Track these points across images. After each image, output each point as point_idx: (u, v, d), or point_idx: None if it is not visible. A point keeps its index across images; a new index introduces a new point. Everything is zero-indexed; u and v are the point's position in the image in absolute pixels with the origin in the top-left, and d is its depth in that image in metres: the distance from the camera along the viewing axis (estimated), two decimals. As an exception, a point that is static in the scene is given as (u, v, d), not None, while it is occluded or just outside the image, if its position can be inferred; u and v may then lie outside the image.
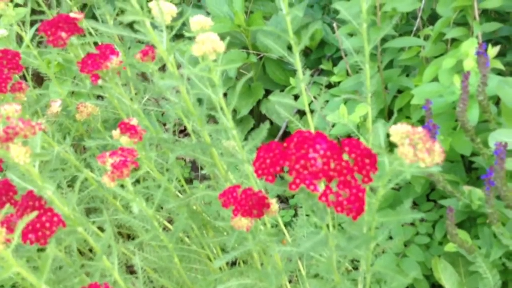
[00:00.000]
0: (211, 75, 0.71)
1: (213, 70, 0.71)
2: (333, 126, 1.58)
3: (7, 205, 0.59)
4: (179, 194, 1.00)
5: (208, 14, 1.86)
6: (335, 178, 0.53)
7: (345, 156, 0.55)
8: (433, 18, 1.49)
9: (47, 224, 0.57)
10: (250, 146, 0.77)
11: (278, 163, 0.56)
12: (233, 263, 1.04)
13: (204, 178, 1.64)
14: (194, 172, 1.69)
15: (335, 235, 0.64)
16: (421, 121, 1.41)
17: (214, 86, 0.74)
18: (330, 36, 1.75)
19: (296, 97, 1.78)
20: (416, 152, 0.52)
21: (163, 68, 1.70)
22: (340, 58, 1.69)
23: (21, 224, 0.50)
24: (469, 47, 1.15)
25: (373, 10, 1.41)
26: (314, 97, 1.72)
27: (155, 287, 0.95)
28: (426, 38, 1.43)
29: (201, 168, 1.68)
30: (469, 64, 1.14)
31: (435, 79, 1.28)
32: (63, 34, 0.71)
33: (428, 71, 1.30)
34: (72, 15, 0.73)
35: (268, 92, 1.80)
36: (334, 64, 1.69)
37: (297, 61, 0.90)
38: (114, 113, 1.29)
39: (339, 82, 1.60)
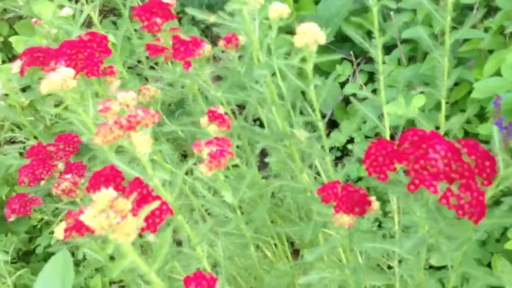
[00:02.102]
0: (306, 66, 0.70)
1: (309, 61, 0.69)
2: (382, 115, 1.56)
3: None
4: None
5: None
6: (456, 180, 0.52)
7: (465, 158, 0.54)
8: (489, 10, 1.45)
9: (157, 212, 0.57)
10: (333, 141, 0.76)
11: (392, 162, 0.55)
12: (296, 254, 1.04)
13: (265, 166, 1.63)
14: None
15: (431, 235, 0.63)
16: (478, 116, 1.38)
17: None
18: (381, 24, 1.71)
19: (341, 84, 1.76)
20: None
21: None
22: (390, 47, 1.66)
23: (142, 213, 0.50)
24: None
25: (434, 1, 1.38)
26: (361, 86, 1.70)
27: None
28: (485, 30, 1.40)
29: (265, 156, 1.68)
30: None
31: (496, 73, 1.25)
32: (158, 20, 0.70)
33: (489, 64, 1.27)
34: (165, 0, 0.72)
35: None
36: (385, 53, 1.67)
37: (378, 54, 0.88)
38: (171, 97, 1.29)
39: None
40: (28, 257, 1.33)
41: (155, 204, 0.51)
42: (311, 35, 0.65)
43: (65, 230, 0.62)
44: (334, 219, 0.61)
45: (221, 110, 0.75)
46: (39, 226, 1.30)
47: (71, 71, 0.67)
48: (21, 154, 1.33)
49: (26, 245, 1.30)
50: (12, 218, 1.01)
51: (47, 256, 1.32)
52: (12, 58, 1.76)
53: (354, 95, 1.64)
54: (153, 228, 0.56)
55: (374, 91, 1.66)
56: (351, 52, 1.75)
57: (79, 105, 0.70)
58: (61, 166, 0.86)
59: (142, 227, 0.56)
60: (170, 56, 0.84)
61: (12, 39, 1.58)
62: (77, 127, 1.07)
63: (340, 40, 1.79)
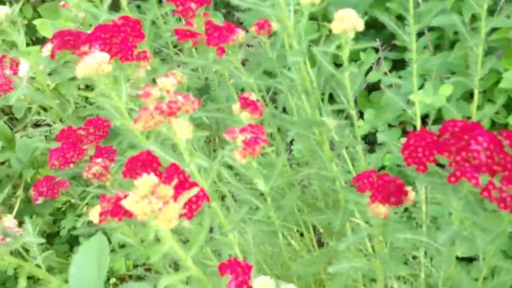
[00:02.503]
0: (342, 53, 0.69)
1: (345, 48, 0.69)
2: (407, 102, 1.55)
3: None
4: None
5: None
6: (499, 173, 0.52)
7: (508, 150, 0.53)
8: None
9: (194, 199, 0.57)
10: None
11: (432, 153, 0.55)
12: (319, 243, 1.04)
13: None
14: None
15: (466, 227, 0.63)
16: (505, 106, 1.36)
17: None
18: (408, 12, 1.69)
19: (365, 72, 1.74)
20: None
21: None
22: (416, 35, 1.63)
23: (182, 199, 0.50)
24: None
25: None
26: (385, 73, 1.68)
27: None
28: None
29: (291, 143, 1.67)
30: None
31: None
32: (193, 5, 0.69)
33: (519, 54, 1.25)
34: (198, -16, 0.71)
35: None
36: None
37: (412, 40, 0.87)
38: (196, 82, 1.29)
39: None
40: (52, 239, 1.35)
41: (195, 190, 0.51)
42: (349, 21, 0.64)
43: (100, 214, 0.63)
44: (370, 208, 0.61)
45: (253, 97, 0.74)
46: (63, 209, 1.32)
47: (106, 56, 0.67)
48: (46, 137, 1.34)
49: (50, 227, 1.32)
50: (39, 200, 1.02)
51: (70, 239, 1.33)
52: (35, 41, 1.77)
53: (378, 83, 1.62)
54: (189, 215, 0.56)
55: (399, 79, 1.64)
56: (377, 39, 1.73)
57: (113, 90, 0.70)
58: (91, 150, 0.86)
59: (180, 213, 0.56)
60: (201, 42, 0.84)
61: (36, 22, 1.58)
62: (104, 112, 1.08)
63: (366, 27, 1.76)
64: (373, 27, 1.81)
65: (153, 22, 1.37)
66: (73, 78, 1.29)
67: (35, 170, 1.28)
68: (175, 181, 0.48)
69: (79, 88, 1.47)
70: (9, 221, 0.77)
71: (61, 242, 1.33)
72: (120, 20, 0.76)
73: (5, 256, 0.64)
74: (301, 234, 0.98)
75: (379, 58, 1.76)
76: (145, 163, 0.60)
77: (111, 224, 0.67)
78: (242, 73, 0.77)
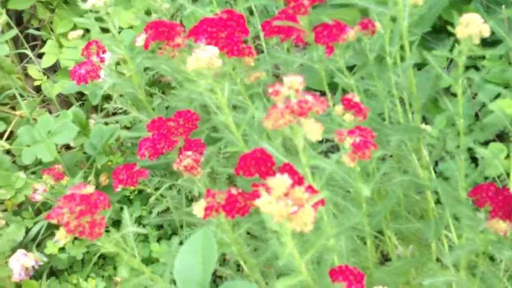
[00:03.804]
0: (458, 59, 0.66)
1: (464, 54, 0.66)
2: (480, 109, 1.50)
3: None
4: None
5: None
6: None
7: None
8: None
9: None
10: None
11: None
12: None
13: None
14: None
15: None
16: None
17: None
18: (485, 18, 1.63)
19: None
20: None
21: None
22: (493, 42, 1.58)
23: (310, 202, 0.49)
24: None
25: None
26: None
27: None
28: None
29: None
30: None
31: None
32: (305, 2, 0.67)
33: None
34: (310, -20, 0.69)
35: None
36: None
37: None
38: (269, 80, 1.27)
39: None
40: (117, 226, 1.37)
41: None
42: (475, 26, 0.61)
43: (206, 209, 0.62)
44: (489, 224, 0.58)
45: (356, 98, 0.72)
46: (131, 197, 1.33)
47: (216, 50, 0.67)
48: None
49: (118, 215, 1.33)
50: (119, 188, 1.03)
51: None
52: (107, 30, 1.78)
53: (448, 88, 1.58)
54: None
55: (469, 86, 1.59)
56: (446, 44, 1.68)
57: (219, 84, 0.69)
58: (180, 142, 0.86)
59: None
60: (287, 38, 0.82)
61: (109, 10, 1.60)
62: (183, 104, 1.08)
63: (437, 30, 1.72)
64: (446, 31, 1.76)
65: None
66: (147, 68, 1.30)
67: (108, 158, 1.29)
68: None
69: (151, 79, 1.47)
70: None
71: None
72: (224, 14, 0.75)
73: (107, 244, 0.65)
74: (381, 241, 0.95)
75: (450, 63, 1.71)
76: (258, 161, 0.59)
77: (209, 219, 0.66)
78: (344, 74, 0.75)
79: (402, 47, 0.82)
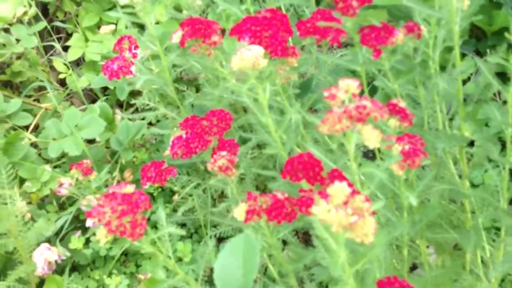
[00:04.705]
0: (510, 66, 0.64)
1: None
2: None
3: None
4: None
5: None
6: None
7: None
8: None
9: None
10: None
11: None
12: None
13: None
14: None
15: None
16: None
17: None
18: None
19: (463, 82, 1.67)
20: None
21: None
22: (525, 48, 1.54)
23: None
24: None
25: None
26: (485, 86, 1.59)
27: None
28: None
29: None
30: None
31: None
32: (354, 3, 0.66)
33: None
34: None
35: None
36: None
37: None
38: (294, 81, 1.25)
39: None
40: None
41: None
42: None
43: (247, 212, 0.61)
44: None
45: (402, 104, 0.70)
46: (154, 194, 1.32)
47: (261, 50, 0.65)
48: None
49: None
50: (147, 185, 1.02)
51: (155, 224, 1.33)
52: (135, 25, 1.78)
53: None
54: (355, 226, 0.53)
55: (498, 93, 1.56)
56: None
57: (261, 84, 0.68)
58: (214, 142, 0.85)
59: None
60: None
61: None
62: (212, 103, 1.07)
63: (466, 35, 1.69)
64: (474, 36, 1.73)
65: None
66: (174, 65, 1.29)
67: (133, 155, 1.28)
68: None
69: (178, 76, 1.46)
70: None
71: (150, 226, 1.33)
72: (268, 13, 0.74)
73: (144, 245, 0.63)
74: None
75: (478, 69, 1.68)
76: (306, 166, 0.58)
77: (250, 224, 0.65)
78: (388, 78, 0.73)
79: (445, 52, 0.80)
